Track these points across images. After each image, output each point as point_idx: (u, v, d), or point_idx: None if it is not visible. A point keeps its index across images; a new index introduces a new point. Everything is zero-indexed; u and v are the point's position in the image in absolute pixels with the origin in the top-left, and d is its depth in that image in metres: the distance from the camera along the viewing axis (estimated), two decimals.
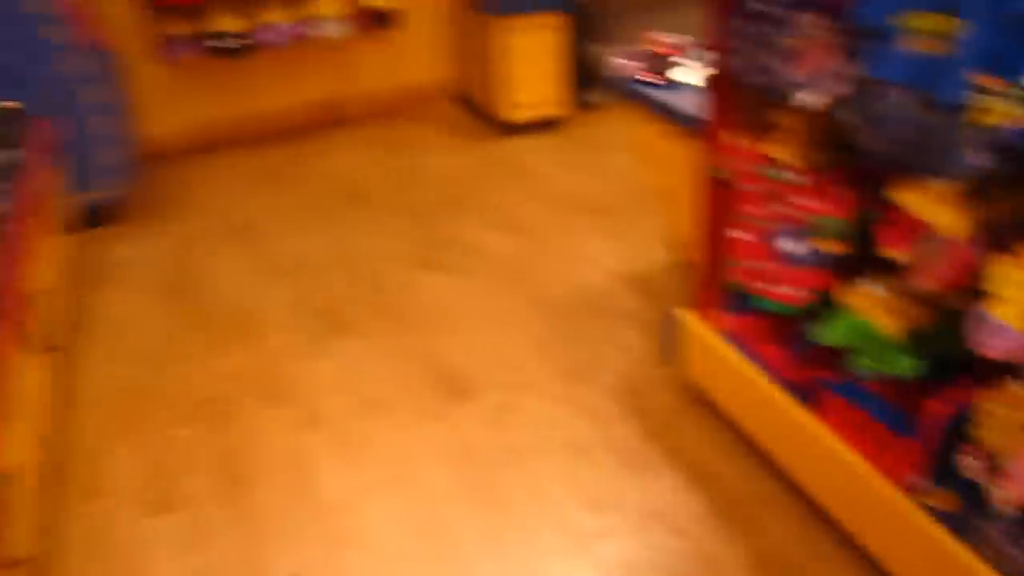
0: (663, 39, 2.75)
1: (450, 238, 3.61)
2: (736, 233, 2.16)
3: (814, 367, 2.13)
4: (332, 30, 4.45)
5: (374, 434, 2.52)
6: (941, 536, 1.74)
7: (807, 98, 1.74)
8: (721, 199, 2.22)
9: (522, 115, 4.54)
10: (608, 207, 3.79)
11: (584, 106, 4.90)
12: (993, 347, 1.53)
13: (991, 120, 1.37)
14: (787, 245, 1.99)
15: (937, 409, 1.75)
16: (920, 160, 1.51)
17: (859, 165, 1.92)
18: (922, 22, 1.45)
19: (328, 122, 4.86)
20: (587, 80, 4.86)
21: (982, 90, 1.37)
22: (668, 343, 2.54)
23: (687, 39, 2.76)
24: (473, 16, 4.56)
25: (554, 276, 3.28)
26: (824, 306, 2.07)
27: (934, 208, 1.60)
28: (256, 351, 2.92)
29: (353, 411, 2.62)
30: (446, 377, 2.74)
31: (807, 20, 1.69)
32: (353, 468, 2.40)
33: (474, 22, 4.56)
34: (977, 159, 1.42)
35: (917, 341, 1.82)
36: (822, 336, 1.94)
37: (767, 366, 2.23)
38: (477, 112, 4.89)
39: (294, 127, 4.79)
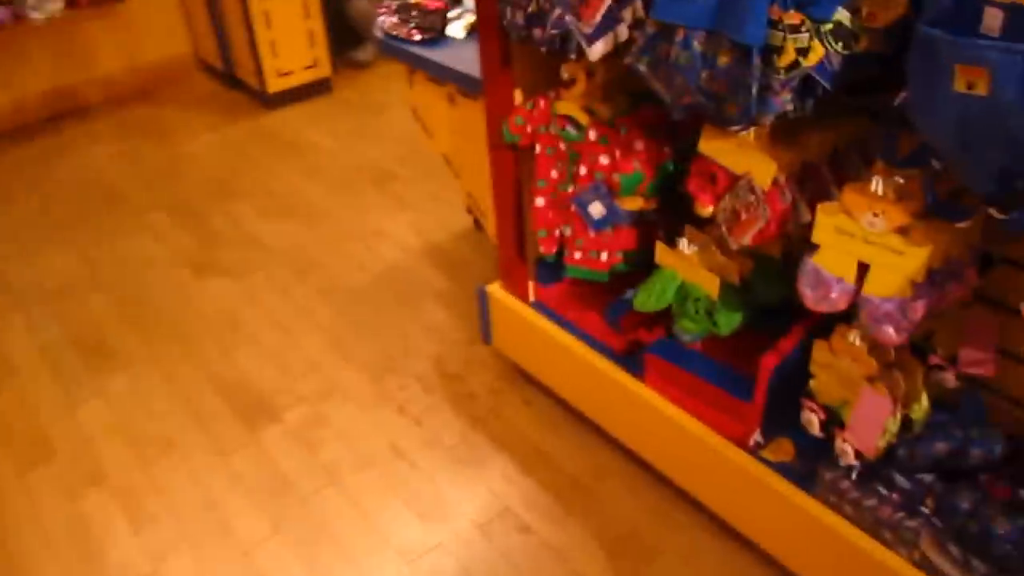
0: None
1: (224, 233, 3.22)
2: (537, 200, 1.98)
3: (635, 330, 2.02)
4: (44, 10, 3.84)
5: (167, 482, 2.18)
6: (788, 490, 1.67)
7: (592, 49, 1.56)
8: (515, 165, 2.03)
9: (286, 82, 4.15)
10: (394, 175, 3.53)
11: (353, 65, 4.57)
12: (818, 298, 1.44)
13: (793, 58, 1.24)
14: (591, 208, 1.83)
15: (764, 362, 1.67)
16: (721, 107, 1.37)
17: (657, 114, 1.79)
18: None
19: (63, 114, 4.26)
20: (353, 37, 4.53)
21: (781, 27, 1.24)
22: (487, 319, 2.35)
23: None
24: None
25: (346, 261, 2.99)
26: (637, 266, 1.96)
27: (742, 157, 1.48)
28: (6, 406, 2.47)
29: (138, 458, 2.25)
30: (242, 398, 2.42)
31: None
32: (148, 527, 2.06)
33: None
34: (782, 102, 1.30)
35: (736, 295, 1.72)
36: (639, 302, 1.81)
37: (585, 334, 2.10)
38: (235, 83, 4.43)
39: (22, 125, 4.15)
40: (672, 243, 1.75)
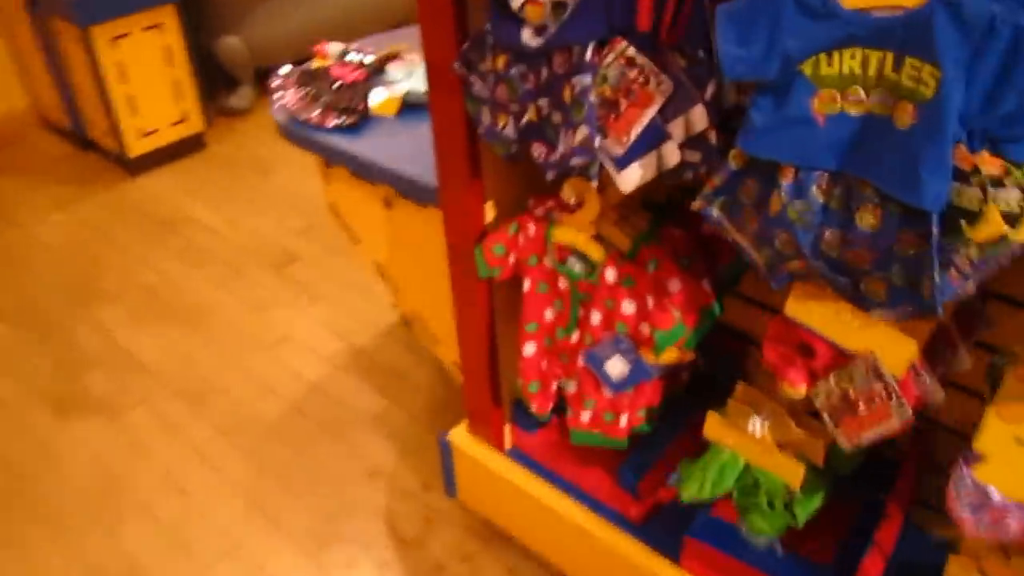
0: (343, 53, 1.97)
1: (90, 350, 2.58)
2: (525, 348, 1.51)
3: (656, 494, 1.58)
4: None
5: None
6: None
7: (625, 177, 1.10)
8: (488, 296, 1.55)
9: (151, 143, 3.49)
10: (295, 254, 2.97)
11: (228, 113, 3.96)
12: (984, 524, 1.03)
13: (997, 230, 0.82)
14: (609, 367, 1.37)
15: (867, 569, 1.27)
16: (860, 284, 0.95)
17: (688, 235, 1.36)
18: (850, 70, 0.85)
19: None
20: (226, 80, 3.92)
21: (975, 179, 0.81)
22: (450, 470, 1.87)
23: (387, 51, 1.99)
24: (48, 24, 3.38)
25: (251, 381, 2.42)
26: (659, 422, 1.52)
27: (861, 330, 1.06)
28: None
29: None
30: None
31: (617, 66, 1.03)
32: None
33: (53, 32, 3.39)
34: (964, 286, 0.87)
35: (814, 475, 1.30)
36: (687, 493, 1.36)
37: (590, 499, 1.64)
38: (88, 145, 3.73)
39: None
40: (712, 399, 1.31)
